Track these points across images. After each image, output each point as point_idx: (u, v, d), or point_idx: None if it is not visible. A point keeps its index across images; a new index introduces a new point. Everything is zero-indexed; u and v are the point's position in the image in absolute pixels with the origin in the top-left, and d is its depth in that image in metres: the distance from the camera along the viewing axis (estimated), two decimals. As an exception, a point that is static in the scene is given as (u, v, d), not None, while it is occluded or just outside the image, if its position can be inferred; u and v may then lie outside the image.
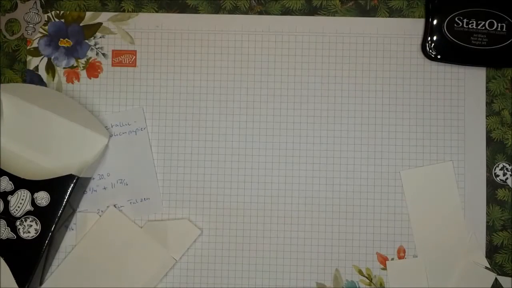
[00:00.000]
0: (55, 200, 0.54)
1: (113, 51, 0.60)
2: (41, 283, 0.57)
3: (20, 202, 0.54)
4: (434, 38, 0.58)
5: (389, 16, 0.59)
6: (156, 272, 0.57)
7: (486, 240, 0.58)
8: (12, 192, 0.54)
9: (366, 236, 0.58)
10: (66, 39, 0.60)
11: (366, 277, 0.58)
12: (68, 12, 0.60)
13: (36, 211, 0.54)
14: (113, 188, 0.58)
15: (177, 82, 0.59)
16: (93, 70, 0.60)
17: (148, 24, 0.60)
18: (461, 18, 0.58)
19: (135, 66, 0.60)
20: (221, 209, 0.58)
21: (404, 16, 0.59)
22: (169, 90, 0.59)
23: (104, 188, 0.58)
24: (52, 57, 0.60)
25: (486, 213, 0.58)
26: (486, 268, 0.57)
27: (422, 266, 0.57)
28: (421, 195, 0.58)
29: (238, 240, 0.58)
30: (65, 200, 0.54)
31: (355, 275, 0.58)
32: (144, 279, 0.57)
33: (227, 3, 0.60)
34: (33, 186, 0.54)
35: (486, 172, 0.58)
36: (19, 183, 0.54)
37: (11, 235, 0.54)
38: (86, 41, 0.60)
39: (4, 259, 0.54)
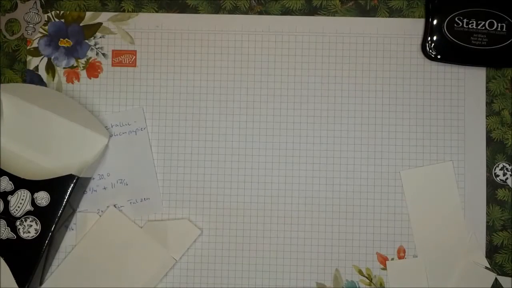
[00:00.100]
0: (55, 200, 0.54)
1: (113, 51, 0.60)
2: (41, 283, 0.57)
3: (20, 202, 0.54)
4: (434, 38, 0.58)
5: (389, 16, 0.59)
6: (156, 272, 0.57)
7: (486, 240, 0.58)
8: (12, 192, 0.54)
9: (366, 236, 0.58)
10: (66, 39, 0.60)
11: (366, 277, 0.58)
12: (68, 12, 0.60)
13: (36, 211, 0.54)
14: (113, 188, 0.58)
15: (177, 82, 0.59)
16: (93, 70, 0.60)
17: (148, 24, 0.60)
18: (461, 18, 0.58)
19: (135, 66, 0.60)
20: (221, 209, 0.58)
21: (404, 16, 0.59)
22: (169, 90, 0.59)
23: (104, 188, 0.58)
24: (52, 57, 0.60)
25: (486, 213, 0.58)
26: (486, 268, 0.57)
27: (422, 266, 0.57)
28: (421, 195, 0.58)
29: (238, 240, 0.58)
30: (65, 200, 0.54)
31: (355, 275, 0.58)
32: (144, 279, 0.57)
33: (227, 3, 0.60)
34: (33, 186, 0.54)
35: (486, 172, 0.58)
36: (19, 183, 0.54)
37: (11, 235, 0.54)
38: (86, 41, 0.60)
39: (4, 259, 0.54)
